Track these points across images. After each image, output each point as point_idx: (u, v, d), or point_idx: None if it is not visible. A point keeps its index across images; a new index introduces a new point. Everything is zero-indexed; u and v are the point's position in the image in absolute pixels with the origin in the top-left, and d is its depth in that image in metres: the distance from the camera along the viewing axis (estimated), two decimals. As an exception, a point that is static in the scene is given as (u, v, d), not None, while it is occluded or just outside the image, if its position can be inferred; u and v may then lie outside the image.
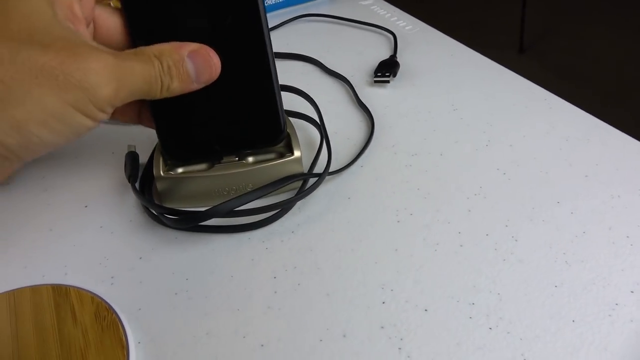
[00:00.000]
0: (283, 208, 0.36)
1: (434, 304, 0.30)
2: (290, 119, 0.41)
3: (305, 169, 0.39)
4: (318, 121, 0.42)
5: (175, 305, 0.31)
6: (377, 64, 0.52)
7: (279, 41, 0.60)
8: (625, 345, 0.28)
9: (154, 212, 0.36)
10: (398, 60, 0.53)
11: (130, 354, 0.28)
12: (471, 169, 0.40)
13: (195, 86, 0.27)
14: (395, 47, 0.56)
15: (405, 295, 0.31)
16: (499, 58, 0.54)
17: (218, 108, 0.33)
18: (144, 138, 0.42)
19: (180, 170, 0.36)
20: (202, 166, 0.36)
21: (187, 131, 0.34)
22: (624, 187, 0.37)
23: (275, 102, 0.34)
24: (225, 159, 0.36)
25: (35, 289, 0.32)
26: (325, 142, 0.40)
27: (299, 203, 0.38)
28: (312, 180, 0.38)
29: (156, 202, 0.38)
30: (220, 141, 0.35)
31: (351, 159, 0.41)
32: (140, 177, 0.39)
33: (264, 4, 0.31)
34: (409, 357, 0.28)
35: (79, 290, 0.32)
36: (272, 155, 0.37)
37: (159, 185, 0.36)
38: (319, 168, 0.39)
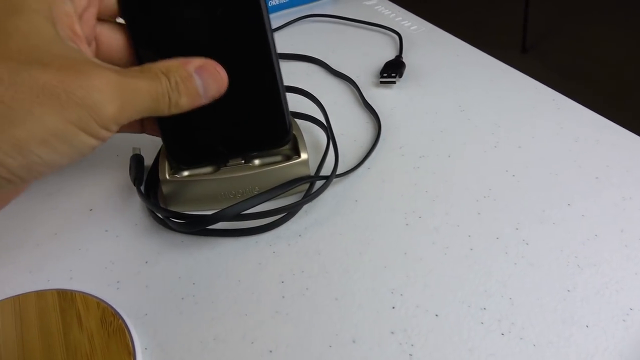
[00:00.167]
0: (290, 211, 0.36)
1: (445, 309, 0.30)
2: (296, 120, 0.40)
3: (312, 171, 0.39)
4: (324, 123, 0.41)
5: (182, 310, 0.31)
6: (382, 65, 0.52)
7: (283, 42, 0.60)
8: (641, 351, 0.27)
9: (159, 215, 0.36)
10: (404, 60, 0.53)
11: (137, 360, 0.28)
12: (480, 170, 0.39)
13: (203, 101, 0.26)
14: (401, 48, 0.55)
15: (416, 300, 0.31)
16: (501, 58, 0.53)
17: (223, 111, 0.33)
18: (148, 141, 0.41)
19: (185, 173, 0.36)
20: (208, 169, 0.36)
21: (193, 135, 0.34)
22: (636, 189, 0.37)
23: (281, 103, 0.33)
24: (231, 162, 0.36)
25: (40, 294, 0.31)
26: (332, 144, 0.40)
27: (305, 206, 0.37)
28: (319, 183, 0.38)
29: (162, 205, 0.37)
30: (226, 144, 0.34)
31: (358, 161, 0.40)
32: (146, 180, 0.38)
33: (267, 6, 0.31)
34: (420, 363, 0.28)
35: (84, 295, 0.31)
36: (278, 158, 0.37)
37: (165, 189, 0.36)
38: (326, 170, 0.39)
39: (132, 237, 0.36)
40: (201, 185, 0.36)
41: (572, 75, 1.83)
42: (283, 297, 0.31)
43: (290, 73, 0.54)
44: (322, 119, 0.42)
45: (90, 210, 0.38)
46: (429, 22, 0.62)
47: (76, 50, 0.22)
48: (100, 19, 0.27)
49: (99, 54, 0.27)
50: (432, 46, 0.56)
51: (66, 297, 0.31)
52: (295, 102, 0.40)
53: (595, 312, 0.29)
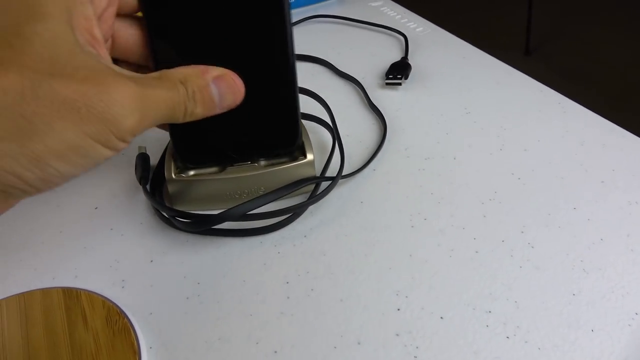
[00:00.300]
0: (295, 212, 0.36)
1: (450, 312, 0.30)
2: (303, 121, 0.40)
3: (318, 172, 0.39)
4: (330, 124, 0.41)
5: (187, 310, 0.31)
6: (388, 66, 0.52)
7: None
8: (646, 356, 0.27)
9: (165, 214, 0.36)
10: (409, 62, 0.53)
11: (142, 359, 0.28)
12: (485, 173, 0.39)
13: (218, 111, 0.26)
14: (407, 49, 0.55)
15: (421, 302, 0.31)
16: (504, 60, 0.53)
17: (237, 114, 0.32)
18: (154, 139, 0.42)
19: (192, 172, 0.36)
20: (214, 169, 0.36)
21: (202, 136, 0.33)
22: (642, 194, 0.37)
23: (296, 110, 0.33)
24: (237, 162, 0.36)
25: (45, 292, 0.31)
26: (338, 145, 0.40)
27: (311, 207, 0.37)
28: (324, 184, 0.38)
29: (167, 204, 0.37)
30: (236, 146, 0.34)
31: (364, 163, 0.40)
32: (151, 179, 0.38)
33: (289, 8, 0.30)
34: (425, 365, 0.28)
35: (89, 294, 0.31)
36: (284, 158, 0.37)
37: (171, 188, 0.36)
38: (331, 171, 0.39)
39: (137, 236, 0.36)
40: (207, 184, 0.36)
41: (575, 77, 1.83)
42: (288, 297, 0.31)
43: (296, 73, 0.54)
44: (328, 120, 0.42)
45: (96, 208, 0.38)
46: (433, 24, 0.62)
47: (96, 57, 0.22)
48: (118, 14, 0.27)
49: (114, 50, 0.27)
50: (437, 48, 0.56)
51: (71, 296, 0.31)
52: (301, 103, 0.40)
53: (601, 317, 0.29)
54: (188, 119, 0.25)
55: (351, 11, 0.66)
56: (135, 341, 0.29)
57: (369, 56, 0.56)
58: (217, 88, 0.26)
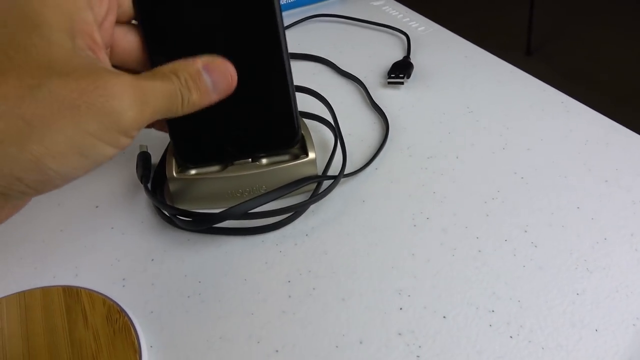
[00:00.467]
0: (297, 211, 0.36)
1: (453, 311, 0.30)
2: (304, 120, 0.40)
3: (319, 171, 0.38)
4: (332, 123, 0.41)
5: (188, 309, 0.31)
6: (390, 65, 0.52)
7: (290, 41, 0.59)
8: (651, 356, 0.27)
9: (166, 213, 0.36)
10: (412, 61, 0.52)
11: (142, 358, 0.28)
12: (488, 172, 0.39)
13: (215, 97, 0.26)
14: (409, 48, 0.55)
15: (423, 301, 0.30)
16: (505, 60, 0.53)
17: (233, 111, 0.32)
18: (155, 138, 0.41)
19: (193, 171, 0.36)
20: (215, 167, 0.36)
21: (201, 134, 0.33)
22: (646, 193, 0.36)
23: (291, 106, 0.33)
24: (238, 161, 0.36)
25: (46, 290, 0.31)
26: (340, 144, 0.40)
27: (312, 206, 0.37)
28: (326, 183, 0.38)
29: (168, 203, 0.37)
30: (234, 145, 0.34)
31: (366, 161, 0.40)
32: (152, 178, 0.38)
33: (280, 8, 0.31)
34: (427, 365, 0.27)
35: (90, 292, 0.31)
36: (286, 157, 0.37)
37: (172, 186, 0.36)
38: (333, 170, 0.39)
39: (138, 235, 0.36)
40: (208, 183, 0.36)
41: (577, 78, 1.82)
42: (289, 296, 0.31)
43: (298, 73, 0.53)
44: (330, 119, 0.42)
45: (97, 207, 0.38)
46: (435, 23, 0.62)
47: (93, 59, 0.22)
48: (116, 22, 0.27)
49: (113, 57, 0.27)
50: (439, 47, 0.56)
51: (72, 294, 0.31)
52: (302, 102, 0.40)
53: (605, 316, 0.29)
54: (187, 109, 0.25)
55: (353, 10, 0.65)
56: (135, 340, 0.29)
57: (371, 55, 0.55)
58: (208, 73, 0.26)
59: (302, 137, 0.37)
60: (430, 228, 0.35)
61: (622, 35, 2.03)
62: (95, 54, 0.23)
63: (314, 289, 0.32)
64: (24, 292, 0.31)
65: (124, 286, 0.32)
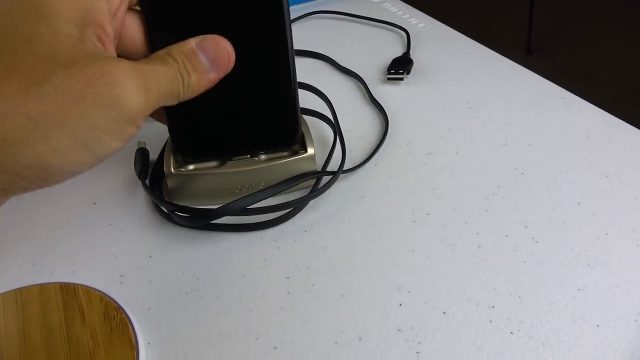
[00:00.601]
0: (296, 207, 0.35)
1: (453, 307, 0.29)
2: (303, 116, 0.40)
3: (319, 167, 0.38)
4: (332, 119, 0.41)
5: (186, 305, 0.31)
6: (389, 62, 0.51)
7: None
8: (653, 352, 0.27)
9: (164, 209, 0.35)
10: (411, 57, 0.52)
11: (140, 355, 0.28)
12: (488, 168, 0.39)
13: (214, 76, 0.26)
14: (409, 44, 0.55)
15: (423, 297, 0.30)
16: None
17: (233, 107, 0.32)
18: (154, 134, 0.41)
19: (191, 167, 0.35)
20: (214, 163, 0.36)
21: (200, 129, 0.33)
22: (647, 188, 0.36)
23: (294, 103, 0.33)
24: (236, 156, 0.35)
25: (43, 287, 0.31)
26: (340, 140, 0.39)
27: (312, 202, 0.37)
28: (325, 179, 0.37)
29: (166, 199, 0.37)
30: (234, 141, 0.34)
31: (365, 157, 0.40)
32: (151, 174, 0.38)
33: (288, 4, 0.30)
34: (427, 361, 0.27)
35: (87, 289, 0.31)
36: (285, 153, 0.36)
37: (170, 182, 0.36)
38: (333, 166, 0.38)
39: (136, 231, 0.35)
40: (206, 179, 0.35)
41: (577, 76, 1.82)
42: (288, 293, 0.31)
43: (297, 69, 0.53)
44: (329, 115, 0.41)
45: (94, 203, 0.38)
46: (435, 20, 0.61)
47: (99, 48, 0.22)
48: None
49: (119, 44, 0.27)
50: (439, 43, 0.56)
51: (69, 291, 0.31)
52: (302, 98, 0.40)
53: (606, 312, 0.29)
54: (189, 92, 0.25)
55: (352, 7, 0.65)
56: (133, 337, 0.28)
57: (370, 51, 0.55)
58: (203, 52, 0.25)
59: (302, 133, 0.37)
60: (430, 224, 0.35)
61: (622, 34, 2.03)
62: (104, 45, 0.22)
63: (312, 285, 0.31)
64: (20, 289, 0.31)
65: (121, 283, 0.32)
